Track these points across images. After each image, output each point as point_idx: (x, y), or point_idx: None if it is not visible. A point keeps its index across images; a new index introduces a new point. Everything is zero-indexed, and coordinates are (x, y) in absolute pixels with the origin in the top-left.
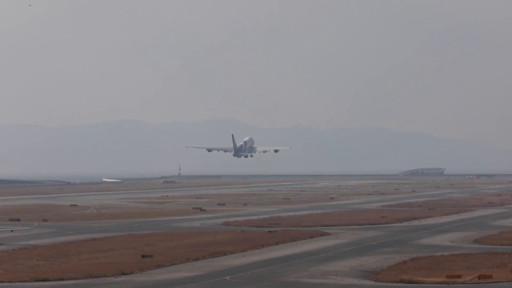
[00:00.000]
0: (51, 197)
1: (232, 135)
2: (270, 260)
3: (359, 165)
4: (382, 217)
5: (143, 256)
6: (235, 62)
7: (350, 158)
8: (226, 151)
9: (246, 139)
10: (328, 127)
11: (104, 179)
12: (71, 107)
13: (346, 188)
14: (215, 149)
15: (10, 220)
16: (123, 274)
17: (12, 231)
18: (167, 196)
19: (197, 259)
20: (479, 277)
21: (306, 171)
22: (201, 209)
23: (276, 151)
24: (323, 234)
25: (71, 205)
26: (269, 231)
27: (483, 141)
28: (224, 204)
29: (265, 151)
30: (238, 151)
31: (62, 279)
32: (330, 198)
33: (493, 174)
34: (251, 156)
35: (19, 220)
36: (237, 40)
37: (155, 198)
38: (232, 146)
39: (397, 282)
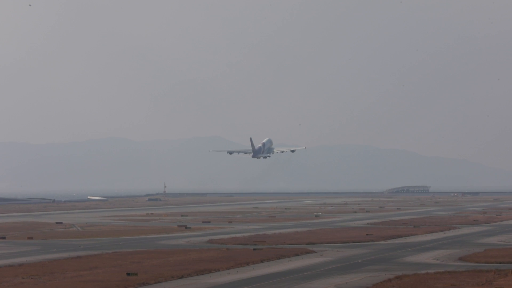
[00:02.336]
0: (36, 215)
1: (251, 138)
2: (255, 278)
3: (344, 182)
4: (367, 234)
5: (128, 274)
6: (219, 82)
7: (335, 175)
8: (246, 153)
9: (264, 140)
10: (313, 144)
11: (89, 197)
12: (57, 125)
13: (331, 206)
14: (236, 152)
15: None
16: None
17: None
18: (152, 213)
19: (182, 276)
20: None
21: (290, 189)
22: (186, 227)
23: (293, 151)
24: (308, 252)
25: (56, 222)
26: (254, 249)
27: (468, 159)
28: (209, 222)
29: (282, 152)
30: (257, 153)
31: None
32: (315, 216)
33: (478, 192)
34: (269, 156)
35: (4, 238)
36: (220, 61)
37: (140, 215)
38: (251, 148)
39: None
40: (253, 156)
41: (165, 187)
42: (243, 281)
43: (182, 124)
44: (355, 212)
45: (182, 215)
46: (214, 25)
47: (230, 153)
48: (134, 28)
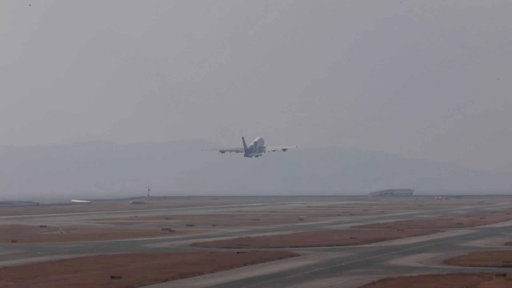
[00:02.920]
0: (20, 218)
1: (243, 137)
2: (239, 281)
3: (329, 185)
4: (351, 238)
5: (112, 277)
6: (206, 85)
7: (319, 178)
8: (237, 152)
9: (256, 139)
10: (298, 147)
11: (73, 200)
12: (43, 128)
13: (315, 209)
14: (228, 151)
15: None
16: None
17: None
18: (136, 217)
19: (166, 280)
20: None
21: (275, 192)
22: (170, 230)
23: (284, 149)
24: (292, 255)
25: (40, 226)
26: (238, 252)
27: (452, 162)
28: (193, 225)
29: (274, 150)
30: (249, 152)
31: None
32: (299, 219)
33: (462, 195)
34: (260, 155)
35: None
36: (208, 64)
37: (124, 219)
38: (243, 147)
39: None
40: (245, 155)
41: (149, 190)
42: (227, 284)
43: (169, 126)
44: (339, 215)
45: (166, 218)
46: (204, 26)
47: (222, 152)
48: (122, 29)
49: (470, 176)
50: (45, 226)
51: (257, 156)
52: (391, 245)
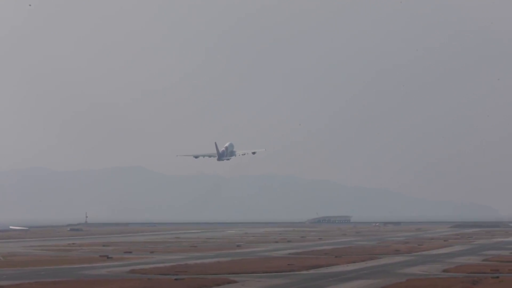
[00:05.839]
0: None
1: (215, 143)
2: None
3: (265, 213)
4: (289, 264)
5: None
6: (141, 111)
7: (256, 206)
8: (210, 157)
9: (227, 144)
10: (232, 174)
11: (11, 227)
12: None
13: (253, 236)
14: (201, 155)
15: None
16: None
17: None
18: (74, 243)
19: None
20: None
21: (212, 219)
22: (107, 257)
23: (253, 153)
24: (229, 282)
25: None
26: (175, 279)
27: (389, 189)
28: (131, 252)
29: (244, 154)
30: (221, 156)
31: None
32: (237, 246)
33: (400, 222)
34: (229, 159)
35: None
36: (143, 91)
37: (62, 245)
38: (215, 152)
39: None
40: (218, 159)
41: (87, 217)
42: None
43: (104, 153)
44: (277, 242)
45: (103, 245)
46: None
47: (196, 157)
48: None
49: (404, 202)
50: None
51: (228, 159)
52: (329, 271)
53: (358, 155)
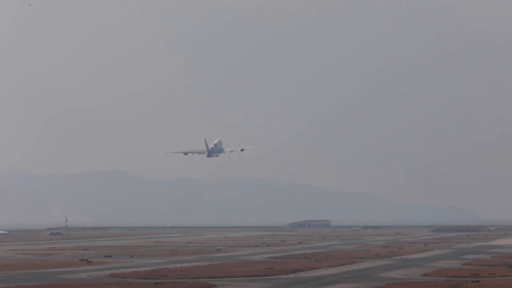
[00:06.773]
0: None
1: (205, 140)
2: None
3: (246, 216)
4: (269, 268)
5: None
6: (123, 113)
7: (237, 209)
8: (200, 153)
9: (215, 141)
10: (213, 179)
11: None
12: None
13: (233, 240)
14: (191, 152)
15: None
16: None
17: None
18: (54, 247)
19: None
20: None
21: (192, 223)
22: (87, 261)
23: (242, 150)
24: (209, 286)
25: None
26: (155, 283)
27: (370, 193)
28: (110, 256)
29: (232, 151)
30: (211, 153)
31: None
32: (217, 250)
33: (380, 226)
34: (217, 156)
35: None
36: (127, 95)
37: (42, 249)
38: (205, 149)
39: None
40: (208, 156)
41: (67, 221)
42: None
43: (84, 157)
44: (257, 246)
45: (83, 249)
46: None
47: (186, 153)
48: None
49: (384, 206)
50: None
51: (217, 156)
52: (309, 276)
53: (339, 160)
